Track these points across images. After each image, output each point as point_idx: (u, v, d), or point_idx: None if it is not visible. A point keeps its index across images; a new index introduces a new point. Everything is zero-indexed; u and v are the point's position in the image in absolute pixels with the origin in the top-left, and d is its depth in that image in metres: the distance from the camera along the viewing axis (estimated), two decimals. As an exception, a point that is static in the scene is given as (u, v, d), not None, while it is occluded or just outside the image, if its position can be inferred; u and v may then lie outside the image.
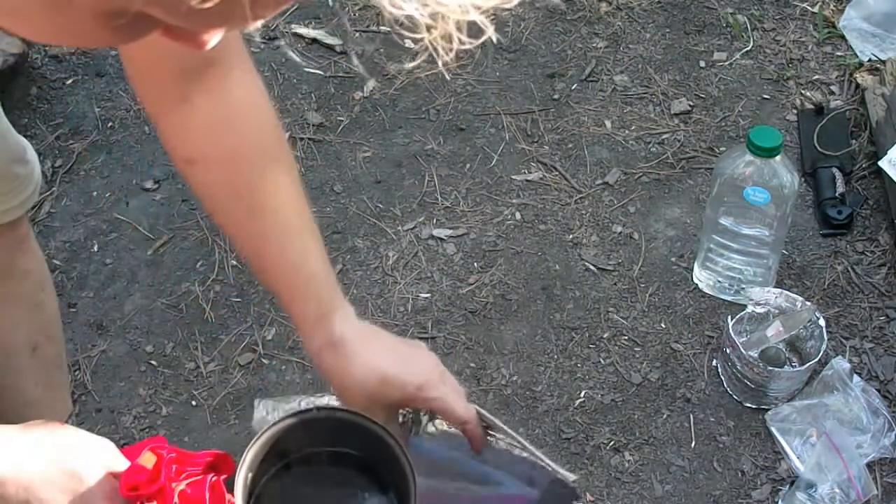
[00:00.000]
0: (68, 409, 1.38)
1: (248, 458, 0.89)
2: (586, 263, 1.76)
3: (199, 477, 0.88)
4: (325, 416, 0.95)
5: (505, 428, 1.02)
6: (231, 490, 0.88)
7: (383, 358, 1.01)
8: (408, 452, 0.93)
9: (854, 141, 1.89)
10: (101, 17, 0.49)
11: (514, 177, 1.90)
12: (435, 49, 0.54)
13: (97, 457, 0.86)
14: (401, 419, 1.05)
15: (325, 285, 1.03)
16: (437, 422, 1.04)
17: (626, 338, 1.65)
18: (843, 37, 2.10)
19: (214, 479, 0.87)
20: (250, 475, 0.90)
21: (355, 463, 0.97)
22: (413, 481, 0.90)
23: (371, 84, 2.09)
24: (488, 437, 1.02)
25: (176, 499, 0.86)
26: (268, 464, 0.94)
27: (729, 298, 1.68)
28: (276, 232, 1.01)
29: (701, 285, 1.71)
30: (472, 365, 1.62)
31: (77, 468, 0.84)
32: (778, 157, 1.52)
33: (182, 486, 0.86)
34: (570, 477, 1.01)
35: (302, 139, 1.98)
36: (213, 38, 0.55)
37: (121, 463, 0.86)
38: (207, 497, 0.86)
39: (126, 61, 0.92)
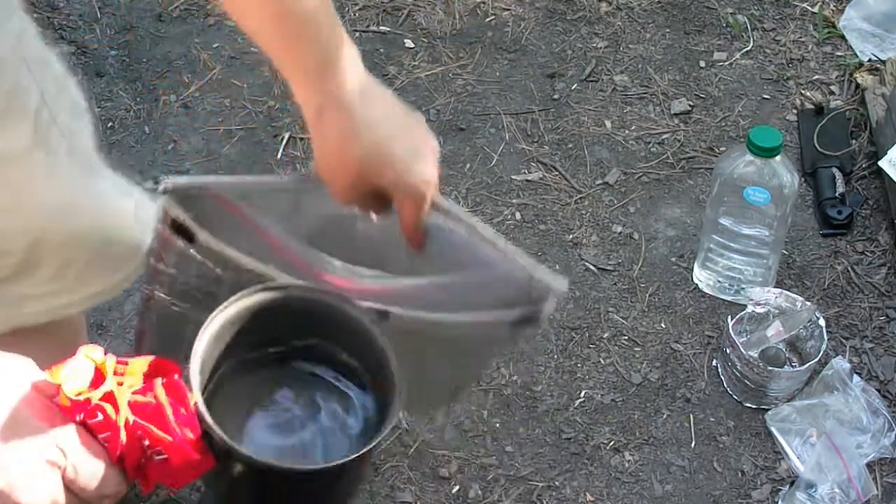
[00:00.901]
0: None
1: (201, 346, 0.77)
2: (586, 263, 1.76)
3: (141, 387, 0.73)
4: (289, 297, 0.82)
5: (469, 220, 0.92)
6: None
7: (393, 138, 0.89)
8: (392, 349, 0.81)
9: (854, 141, 1.89)
10: None
11: (514, 177, 1.90)
12: None
13: (17, 374, 0.70)
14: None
15: (327, 38, 0.91)
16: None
17: (626, 338, 1.65)
18: (843, 37, 2.10)
19: (165, 380, 0.73)
20: (204, 372, 0.78)
21: (327, 351, 0.86)
22: (400, 385, 0.80)
23: (371, 84, 2.09)
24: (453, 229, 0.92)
25: (127, 400, 0.71)
26: (224, 354, 0.81)
27: (729, 298, 1.68)
28: None
29: (701, 285, 1.71)
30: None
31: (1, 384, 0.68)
32: (778, 157, 1.52)
33: (128, 394, 0.71)
34: (561, 285, 0.92)
35: (302, 139, 1.98)
36: None
37: (47, 376, 0.70)
38: (164, 396, 0.72)
39: None
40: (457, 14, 2.22)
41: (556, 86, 2.06)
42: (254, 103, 2.06)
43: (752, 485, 1.47)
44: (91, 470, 0.70)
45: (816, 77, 2.04)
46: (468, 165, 1.92)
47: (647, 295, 1.71)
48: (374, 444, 0.78)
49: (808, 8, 2.19)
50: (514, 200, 1.86)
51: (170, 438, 0.71)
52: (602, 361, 1.62)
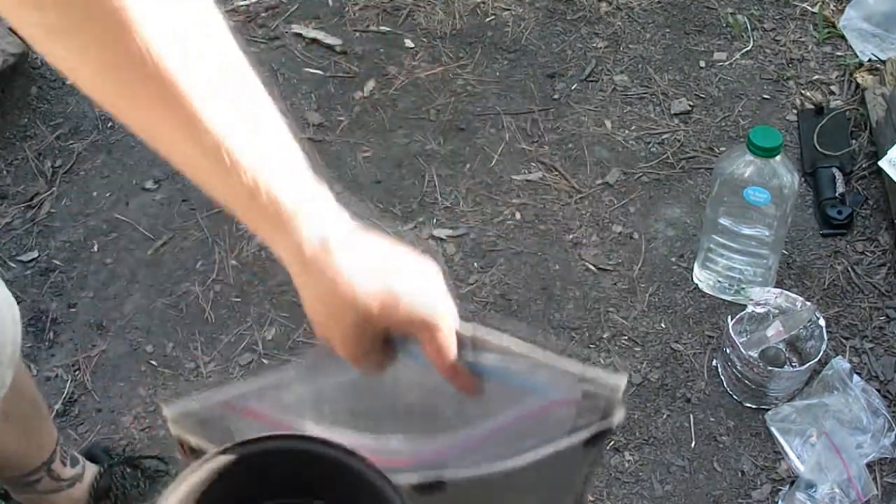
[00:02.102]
0: (54, 438, 1.35)
1: None
2: (586, 263, 1.76)
3: None
4: (266, 451, 0.69)
5: (506, 345, 0.80)
6: None
7: (390, 267, 0.76)
8: (395, 487, 0.67)
9: (854, 141, 1.89)
10: None
11: (514, 177, 1.90)
12: None
13: None
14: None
15: (303, 160, 0.75)
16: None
17: (626, 338, 1.65)
18: (843, 37, 2.10)
19: None
20: None
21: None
22: None
23: (371, 84, 2.09)
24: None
25: None
26: None
27: (729, 298, 1.68)
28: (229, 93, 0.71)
29: (701, 285, 1.71)
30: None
31: None
32: (778, 157, 1.52)
33: None
34: (620, 381, 0.80)
35: (302, 139, 1.98)
36: None
37: None
38: None
39: None
40: (457, 14, 2.22)
41: (556, 86, 2.06)
42: (254, 103, 2.06)
43: (752, 485, 1.47)
44: None
45: (816, 77, 2.04)
46: (468, 165, 1.92)
47: (647, 295, 1.71)
48: None
49: (808, 8, 2.19)
50: (514, 200, 1.86)
51: None
52: (602, 361, 1.62)
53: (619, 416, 0.81)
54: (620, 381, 0.80)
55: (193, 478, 0.66)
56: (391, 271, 0.75)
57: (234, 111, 0.71)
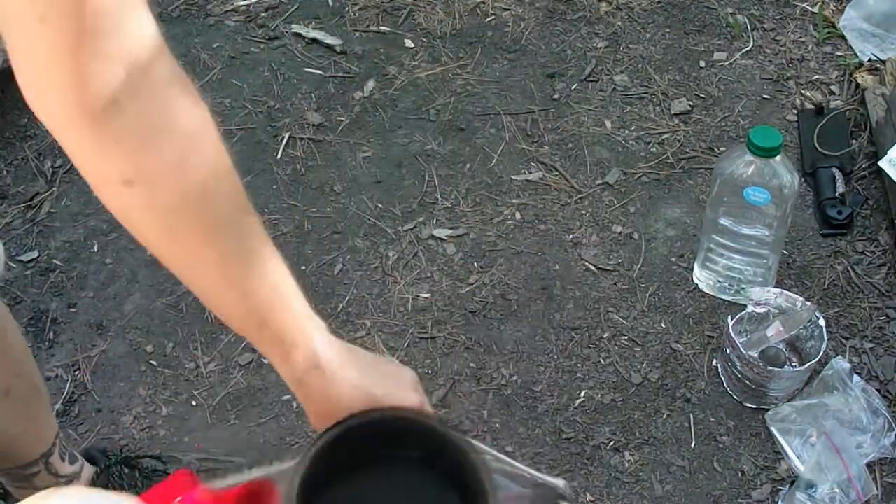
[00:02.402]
0: (54, 430, 1.36)
1: (294, 487, 0.79)
2: (586, 263, 1.76)
3: None
4: (368, 422, 0.86)
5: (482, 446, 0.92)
6: None
7: (370, 378, 0.92)
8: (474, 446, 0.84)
9: (854, 141, 1.89)
10: None
11: (514, 177, 1.90)
12: None
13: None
14: None
15: (296, 296, 0.90)
16: None
17: (626, 338, 1.65)
18: (843, 37, 2.10)
19: None
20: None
21: (414, 465, 0.88)
22: (488, 476, 0.82)
23: (371, 84, 2.09)
24: None
25: None
26: (319, 481, 0.83)
27: (729, 298, 1.68)
28: (240, 243, 0.85)
29: (701, 285, 1.71)
30: (472, 365, 1.62)
31: None
32: (778, 157, 1.52)
33: None
34: (559, 484, 0.93)
35: (302, 139, 1.98)
36: None
37: None
38: None
39: (16, 68, 0.72)
40: (457, 14, 2.22)
41: (556, 86, 2.06)
42: (254, 103, 2.06)
43: (752, 485, 1.47)
44: None
45: (816, 77, 2.04)
46: (468, 165, 1.92)
47: (647, 295, 1.71)
48: None
49: (808, 8, 2.19)
50: (514, 200, 1.86)
51: None
52: (602, 361, 1.62)
53: None
54: (563, 483, 0.95)
55: (320, 442, 0.83)
56: (371, 382, 0.92)
57: (254, 255, 0.87)
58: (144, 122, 0.75)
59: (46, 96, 0.73)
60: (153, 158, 0.75)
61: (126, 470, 1.46)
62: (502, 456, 0.95)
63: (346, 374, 0.90)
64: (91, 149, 0.75)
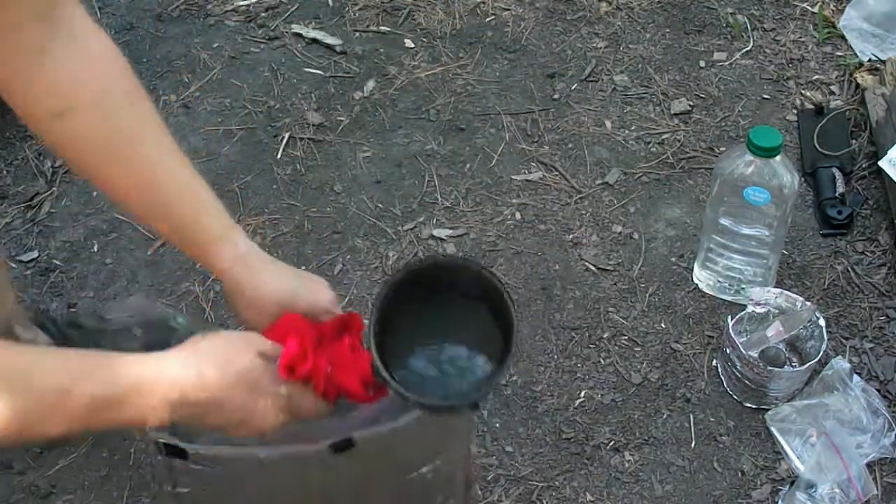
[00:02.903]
0: (12, 296, 1.42)
1: (374, 315, 1.03)
2: (586, 263, 1.76)
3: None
4: (430, 264, 1.09)
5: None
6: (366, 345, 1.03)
7: (291, 274, 1.09)
8: (504, 283, 1.06)
9: (854, 141, 1.89)
10: None
11: (514, 177, 1.90)
12: None
13: (247, 343, 0.99)
14: None
15: (216, 202, 1.06)
16: None
17: (626, 338, 1.65)
18: (843, 37, 2.10)
19: (350, 341, 1.06)
20: (377, 331, 1.03)
21: (462, 299, 1.08)
22: (514, 310, 1.03)
23: (371, 84, 2.09)
24: None
25: (324, 359, 1.03)
26: (391, 312, 1.06)
27: (729, 298, 1.68)
28: (159, 156, 1.01)
29: (701, 285, 1.71)
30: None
31: (235, 356, 0.96)
32: (778, 157, 1.52)
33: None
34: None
35: (302, 139, 1.98)
36: None
37: (268, 346, 1.00)
38: (347, 356, 1.04)
39: None
40: (457, 14, 2.22)
41: (556, 86, 2.06)
42: (254, 103, 2.06)
43: (752, 485, 1.47)
44: (307, 406, 1.02)
45: (816, 77, 2.04)
46: (468, 165, 1.92)
47: (647, 295, 1.71)
48: (488, 388, 1.08)
49: (808, 8, 2.19)
50: (514, 200, 1.86)
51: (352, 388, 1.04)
52: (602, 361, 1.62)
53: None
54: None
55: (390, 282, 1.06)
56: (292, 277, 1.10)
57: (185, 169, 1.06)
58: (70, 64, 0.94)
59: None
60: (78, 91, 0.95)
61: (75, 332, 1.51)
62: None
63: (269, 268, 1.07)
64: (24, 94, 0.95)
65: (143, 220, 1.08)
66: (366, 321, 1.06)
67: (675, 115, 1.99)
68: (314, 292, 1.10)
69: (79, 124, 0.96)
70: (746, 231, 1.61)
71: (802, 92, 2.02)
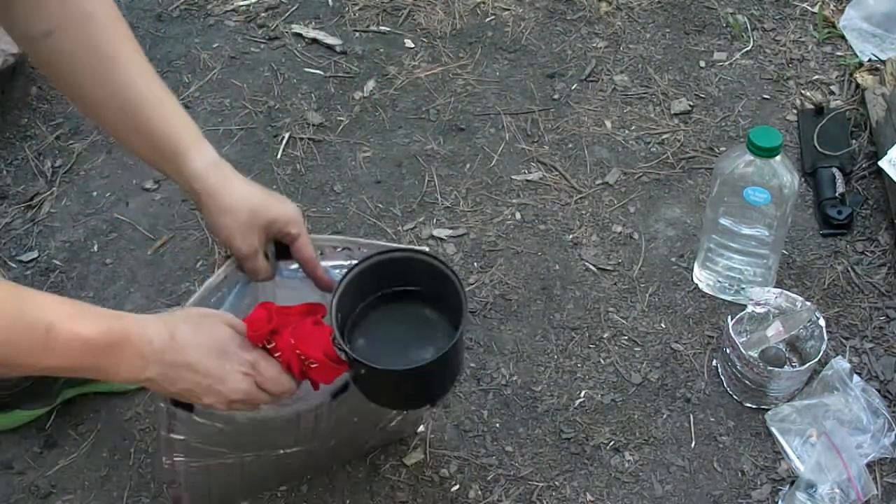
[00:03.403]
0: None
1: (335, 298, 1.13)
2: (586, 263, 1.76)
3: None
4: (387, 259, 1.17)
5: (346, 238, 1.27)
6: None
7: (261, 187, 1.16)
8: (457, 274, 1.15)
9: (854, 141, 1.89)
10: None
11: (514, 177, 1.90)
12: None
13: (219, 316, 1.08)
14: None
15: (188, 117, 1.14)
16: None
17: (626, 338, 1.65)
18: (843, 37, 2.10)
19: (314, 319, 1.13)
20: (339, 315, 1.13)
21: (418, 293, 1.19)
22: (464, 298, 1.13)
23: (371, 84, 2.09)
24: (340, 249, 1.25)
25: (290, 331, 1.10)
26: (353, 300, 1.17)
27: (729, 298, 1.68)
28: (138, 74, 1.11)
29: (701, 285, 1.71)
30: (473, 365, 1.62)
31: (207, 324, 1.06)
32: (778, 157, 1.52)
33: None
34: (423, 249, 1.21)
35: (302, 139, 1.98)
36: None
37: (238, 321, 1.09)
38: (311, 329, 1.11)
39: None
40: (457, 14, 2.22)
41: (556, 86, 2.06)
42: (254, 103, 2.06)
43: (752, 485, 1.47)
44: (271, 375, 1.09)
45: (816, 77, 2.04)
46: (468, 165, 1.92)
47: (647, 295, 1.71)
48: (444, 351, 1.11)
49: (808, 8, 2.19)
50: (514, 200, 1.86)
51: (315, 360, 1.11)
52: (602, 361, 1.62)
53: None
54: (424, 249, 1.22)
55: (348, 277, 1.16)
56: (263, 189, 1.16)
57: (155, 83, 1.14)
58: None
59: None
60: (64, 13, 1.06)
61: None
62: (372, 241, 1.26)
63: (240, 179, 1.14)
64: (17, 16, 1.06)
65: (119, 136, 1.16)
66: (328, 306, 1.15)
67: (675, 115, 1.99)
68: (282, 203, 1.17)
69: (63, 44, 1.07)
70: (746, 231, 1.61)
71: (802, 92, 2.02)
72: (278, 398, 1.12)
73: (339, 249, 1.25)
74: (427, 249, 1.18)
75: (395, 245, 1.23)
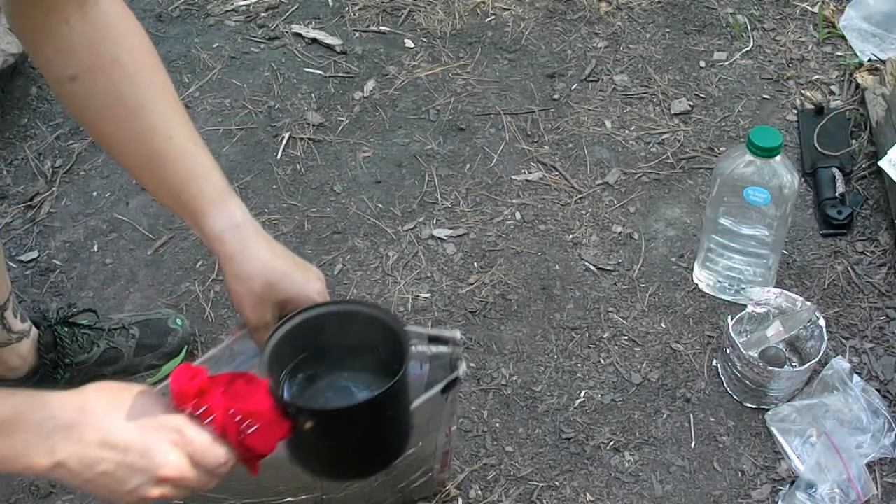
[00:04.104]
0: (8, 288, 1.43)
1: (268, 349, 1.03)
2: (586, 263, 1.76)
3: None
4: (323, 313, 1.08)
5: None
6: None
7: (286, 257, 1.09)
8: (401, 325, 1.06)
9: (854, 141, 1.89)
10: None
11: (514, 177, 1.90)
12: None
13: (139, 387, 0.94)
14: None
15: (215, 170, 1.08)
16: None
17: (626, 338, 1.65)
18: (843, 37, 2.10)
19: (245, 377, 0.98)
20: (274, 370, 1.03)
21: (358, 346, 1.09)
22: (408, 347, 1.04)
23: (371, 84, 2.09)
24: None
25: (220, 392, 0.95)
26: (287, 357, 1.07)
27: (729, 298, 1.68)
28: (162, 123, 1.05)
29: (701, 285, 1.71)
30: (472, 365, 1.62)
31: (124, 392, 0.92)
32: (778, 157, 1.52)
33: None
34: (455, 334, 1.16)
35: (302, 139, 1.98)
36: None
37: (162, 387, 0.98)
38: (245, 389, 0.98)
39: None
40: (457, 14, 2.22)
41: (556, 86, 2.06)
42: (254, 103, 2.06)
43: (752, 485, 1.47)
44: (203, 444, 0.91)
45: (816, 77, 2.04)
46: (468, 165, 1.92)
47: (647, 295, 1.71)
48: (390, 385, 1.00)
49: (808, 8, 2.19)
50: (514, 200, 1.86)
51: (255, 414, 0.95)
52: (602, 361, 1.62)
53: (462, 368, 1.17)
54: (455, 333, 1.17)
55: (279, 332, 1.04)
56: (283, 256, 1.08)
57: (187, 128, 1.08)
58: (88, 32, 1.01)
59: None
60: (91, 58, 1.02)
61: (66, 329, 1.54)
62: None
63: (262, 244, 1.07)
64: (46, 56, 1.04)
65: (142, 183, 1.12)
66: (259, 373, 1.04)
67: (675, 115, 1.99)
68: (304, 280, 1.09)
69: (87, 88, 1.04)
70: (746, 231, 1.61)
71: (802, 92, 2.02)
72: (214, 475, 0.94)
73: None
74: (367, 301, 1.13)
75: (337, 300, 1.14)
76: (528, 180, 1.89)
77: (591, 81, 2.07)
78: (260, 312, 1.07)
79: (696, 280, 1.72)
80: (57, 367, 1.52)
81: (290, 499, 1.27)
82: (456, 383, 1.17)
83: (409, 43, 2.17)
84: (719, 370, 1.59)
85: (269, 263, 1.06)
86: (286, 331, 1.05)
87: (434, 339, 1.19)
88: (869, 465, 1.45)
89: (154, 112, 1.06)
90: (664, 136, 1.95)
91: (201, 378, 0.93)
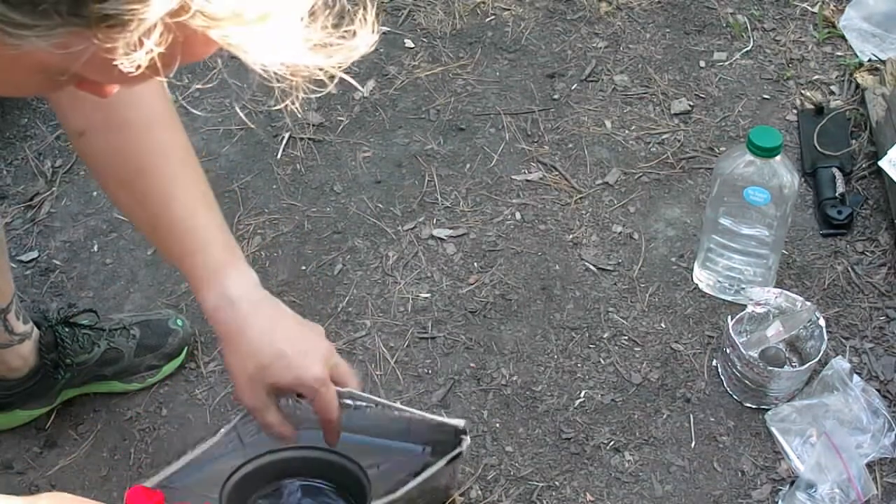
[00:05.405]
0: (11, 289, 1.43)
1: (227, 490, 1.02)
2: (586, 263, 1.76)
3: None
4: (290, 457, 1.08)
5: (374, 398, 1.16)
6: None
7: (284, 336, 1.02)
8: (362, 470, 1.07)
9: (854, 141, 1.89)
10: (42, 73, 0.58)
11: (514, 177, 1.90)
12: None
13: (90, 502, 0.88)
14: (281, 402, 1.09)
15: (215, 240, 1.04)
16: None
17: (626, 338, 1.65)
18: (843, 37, 2.10)
19: None
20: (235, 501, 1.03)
21: (323, 487, 1.10)
22: (369, 492, 1.05)
23: (371, 84, 2.09)
24: (365, 407, 1.14)
25: None
26: (249, 491, 1.06)
27: (729, 298, 1.68)
28: (160, 190, 1.03)
29: (701, 285, 1.71)
30: (472, 365, 1.62)
31: None
32: (778, 157, 1.52)
33: None
34: (459, 423, 1.18)
35: (302, 139, 1.98)
36: (116, 88, 0.65)
37: None
38: None
39: None
40: (457, 14, 2.22)
41: (556, 86, 2.06)
42: (254, 103, 2.06)
43: (752, 485, 1.47)
44: None
45: (816, 77, 2.04)
46: (468, 165, 1.92)
47: (647, 295, 1.71)
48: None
49: (808, 8, 2.19)
50: (514, 200, 1.86)
51: None
52: (602, 361, 1.62)
53: (466, 442, 1.22)
54: (461, 422, 1.20)
55: (240, 472, 1.04)
56: (283, 337, 1.01)
57: (197, 200, 1.06)
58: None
59: None
60: (98, 115, 1.00)
61: (67, 329, 1.53)
62: (404, 408, 1.22)
63: (258, 321, 1.01)
64: (61, 110, 1.03)
65: (150, 242, 1.14)
66: None
67: (675, 115, 1.99)
68: (301, 365, 1.02)
69: (93, 145, 1.03)
70: (746, 231, 1.61)
71: (802, 92, 2.02)
72: None
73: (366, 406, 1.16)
74: (329, 448, 1.09)
75: (304, 445, 1.12)
76: (528, 180, 1.89)
77: (591, 81, 2.07)
78: (256, 394, 1.03)
79: (696, 280, 1.72)
80: (58, 368, 1.52)
81: None
82: (460, 455, 1.21)
83: (409, 43, 2.17)
84: (719, 370, 1.59)
85: (262, 345, 1.01)
86: (248, 471, 1.05)
87: (440, 426, 1.21)
88: (869, 465, 1.45)
89: (155, 176, 1.03)
90: (664, 136, 1.95)
91: (157, 500, 0.93)
